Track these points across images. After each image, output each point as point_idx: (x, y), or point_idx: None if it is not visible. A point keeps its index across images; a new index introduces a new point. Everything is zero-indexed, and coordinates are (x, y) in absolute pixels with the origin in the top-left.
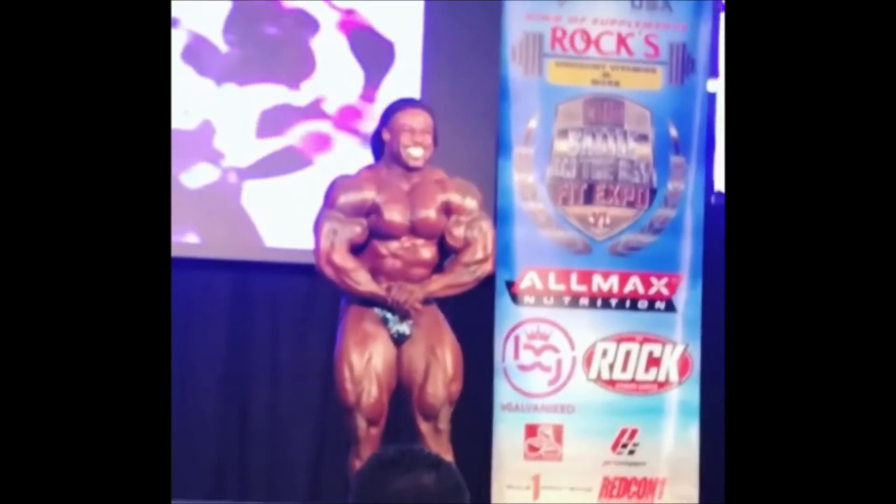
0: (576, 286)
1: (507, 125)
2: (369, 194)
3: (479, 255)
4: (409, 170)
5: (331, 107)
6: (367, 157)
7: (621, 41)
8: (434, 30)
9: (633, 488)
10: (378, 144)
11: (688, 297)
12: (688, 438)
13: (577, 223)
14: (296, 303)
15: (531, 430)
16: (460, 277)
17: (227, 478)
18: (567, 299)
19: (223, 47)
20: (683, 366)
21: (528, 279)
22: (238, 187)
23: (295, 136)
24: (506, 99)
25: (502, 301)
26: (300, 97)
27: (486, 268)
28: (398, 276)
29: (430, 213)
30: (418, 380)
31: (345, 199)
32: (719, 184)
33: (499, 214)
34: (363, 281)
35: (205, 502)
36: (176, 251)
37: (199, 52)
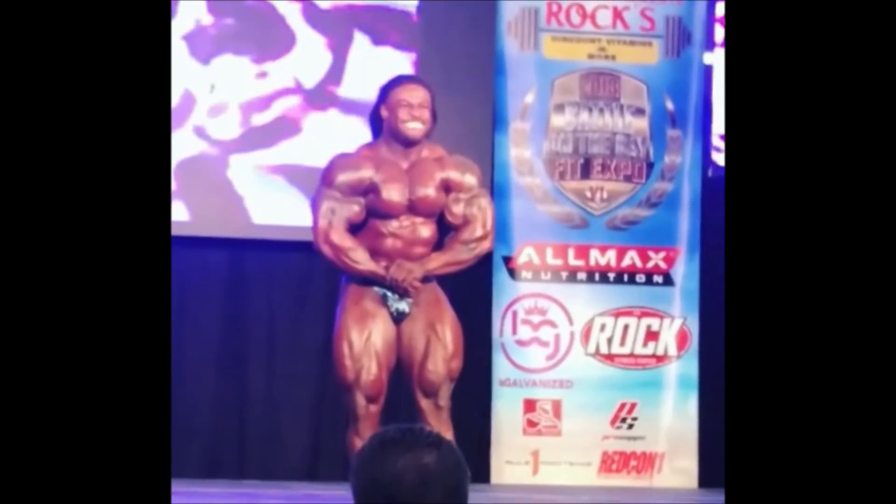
0: (573, 261)
1: (504, 100)
2: (367, 173)
3: (479, 233)
4: (408, 146)
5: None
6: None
7: (617, 15)
8: (429, 4)
9: (633, 462)
10: (376, 122)
11: (686, 270)
12: (687, 412)
13: (575, 198)
14: (291, 280)
15: (530, 406)
16: (459, 255)
17: (225, 457)
18: (565, 274)
19: (206, 19)
20: (682, 339)
21: (525, 254)
22: (224, 161)
23: (279, 109)
24: (502, 74)
25: (500, 276)
26: (283, 71)
27: (486, 245)
28: (398, 254)
29: (430, 191)
30: (418, 357)
31: (343, 177)
32: (716, 156)
33: (496, 189)
34: (361, 260)
35: (202, 481)
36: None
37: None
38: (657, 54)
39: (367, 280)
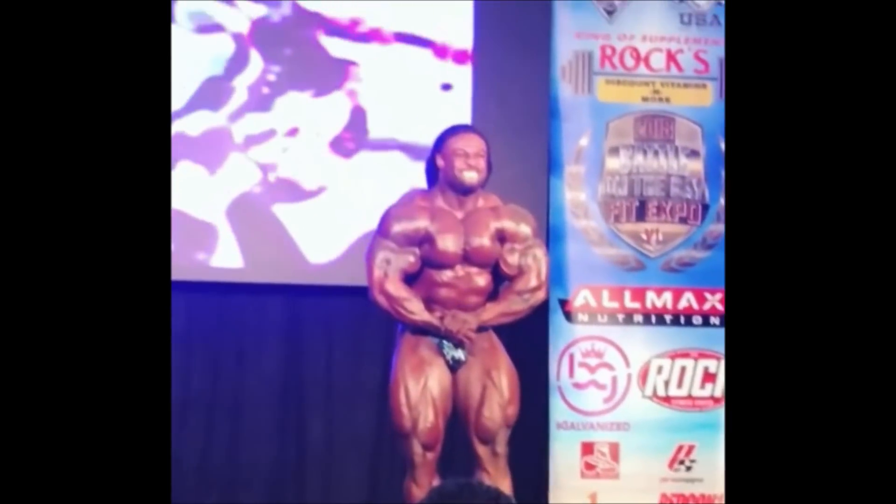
0: (629, 303)
1: (558, 144)
2: (422, 223)
3: (533, 283)
4: (464, 194)
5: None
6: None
7: (671, 57)
8: (483, 50)
9: None
10: (432, 171)
11: None
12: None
13: (630, 240)
14: (348, 326)
15: (587, 448)
16: (513, 306)
17: (283, 502)
18: (621, 316)
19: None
20: None
21: (581, 297)
22: (272, 204)
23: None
24: (556, 117)
25: (556, 319)
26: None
27: (540, 296)
28: (453, 304)
29: (484, 241)
30: (474, 404)
31: (398, 228)
32: None
33: (551, 233)
34: (417, 311)
35: None
36: (223, 277)
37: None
38: (711, 96)
39: (423, 329)
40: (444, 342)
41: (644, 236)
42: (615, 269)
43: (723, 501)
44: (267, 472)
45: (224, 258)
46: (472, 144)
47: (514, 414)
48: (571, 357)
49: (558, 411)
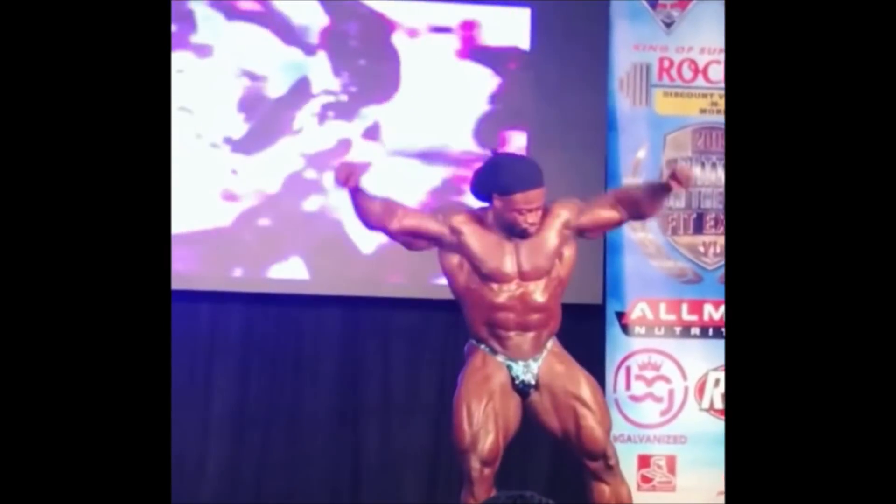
0: (686, 316)
1: (616, 156)
2: (462, 221)
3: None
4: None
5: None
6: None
7: None
8: (541, 62)
9: None
10: (483, 191)
11: None
12: None
13: (687, 252)
14: (406, 337)
15: (644, 461)
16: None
17: None
18: (678, 329)
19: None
20: None
21: (638, 309)
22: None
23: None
24: (614, 130)
25: (613, 332)
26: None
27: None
28: (513, 324)
29: (543, 249)
30: (571, 428)
31: (446, 209)
32: None
33: (608, 245)
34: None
35: None
36: (286, 288)
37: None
38: None
39: (493, 348)
40: (513, 364)
41: (702, 249)
42: (672, 282)
43: None
44: (323, 484)
45: (287, 269)
46: (533, 199)
47: (610, 422)
48: (628, 370)
49: (615, 424)
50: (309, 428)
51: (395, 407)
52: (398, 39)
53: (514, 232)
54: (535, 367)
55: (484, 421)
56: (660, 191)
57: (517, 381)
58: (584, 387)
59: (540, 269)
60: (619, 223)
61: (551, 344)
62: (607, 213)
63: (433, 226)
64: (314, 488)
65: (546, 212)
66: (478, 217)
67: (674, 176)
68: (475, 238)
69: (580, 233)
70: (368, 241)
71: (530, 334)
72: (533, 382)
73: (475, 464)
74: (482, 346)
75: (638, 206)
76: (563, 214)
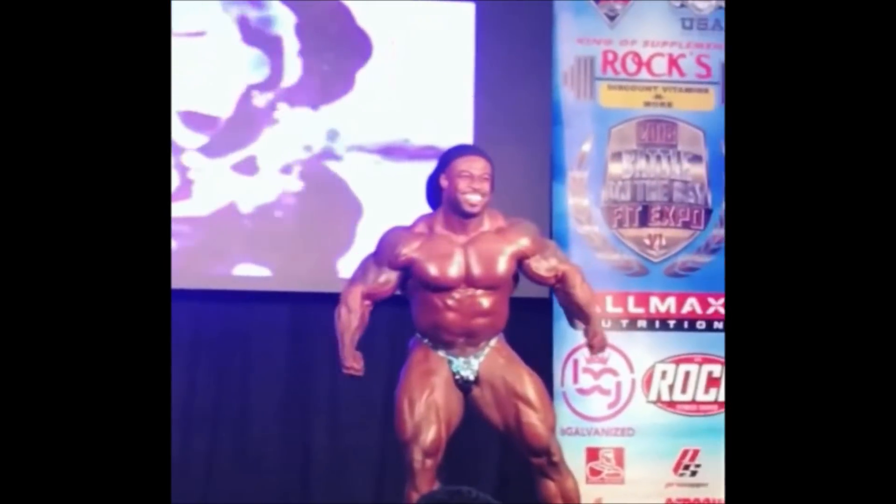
0: (633, 308)
1: (561, 150)
2: (406, 249)
3: (579, 279)
4: (466, 217)
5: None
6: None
7: (673, 62)
8: (485, 56)
9: None
10: (434, 190)
11: None
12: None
13: (633, 245)
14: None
15: (592, 454)
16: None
17: None
18: (625, 322)
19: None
20: None
21: None
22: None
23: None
24: (559, 123)
25: (560, 325)
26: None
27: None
28: (458, 326)
29: (499, 266)
30: (513, 424)
31: (384, 251)
32: None
33: (554, 239)
34: (345, 322)
35: None
36: (240, 284)
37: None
38: (713, 101)
39: (436, 342)
40: (454, 359)
41: (647, 241)
42: (619, 275)
43: None
44: (272, 482)
45: (236, 267)
46: (477, 166)
47: (554, 418)
48: (576, 363)
49: (563, 417)
50: (258, 427)
51: (343, 405)
52: (351, 36)
53: (463, 212)
54: (475, 363)
55: (426, 412)
56: (580, 317)
57: (457, 377)
58: (527, 384)
59: (488, 278)
60: (548, 286)
61: (495, 341)
62: (549, 274)
63: (388, 277)
64: (263, 487)
65: (508, 228)
66: (428, 226)
67: (590, 343)
68: (425, 251)
69: (520, 268)
70: (315, 238)
71: (474, 336)
72: (472, 378)
73: (417, 455)
74: (425, 341)
75: (567, 296)
76: (522, 243)
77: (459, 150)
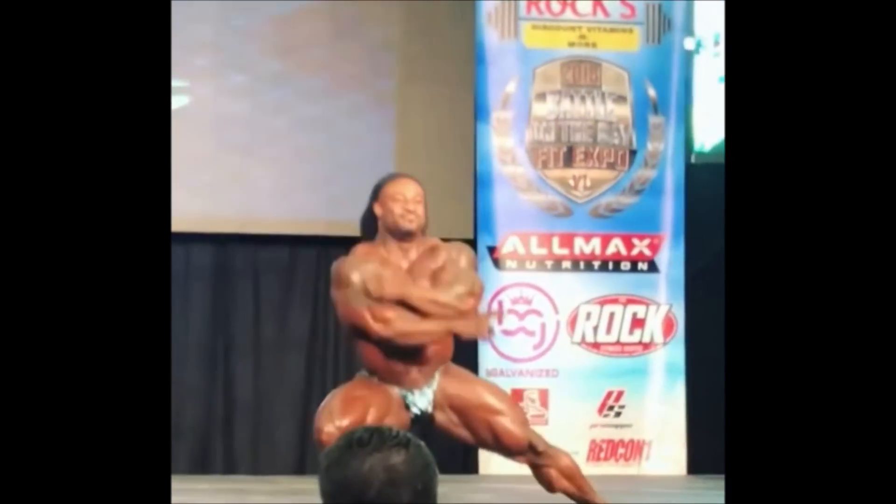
0: (558, 249)
1: (485, 90)
2: (373, 267)
3: (464, 290)
4: (404, 239)
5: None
6: None
7: (597, 2)
8: None
9: (621, 450)
10: (370, 221)
11: (670, 257)
12: (674, 399)
13: (558, 186)
14: (276, 275)
15: (517, 395)
16: (441, 296)
17: (212, 453)
18: (549, 263)
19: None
20: (668, 326)
21: (509, 244)
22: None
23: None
24: (483, 64)
25: (484, 266)
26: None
27: (470, 303)
28: (411, 350)
29: (425, 284)
30: (489, 438)
31: (356, 277)
32: (699, 142)
33: (479, 179)
34: (401, 329)
35: (190, 477)
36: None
37: None
38: (638, 41)
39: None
40: (408, 394)
41: (572, 182)
42: (543, 216)
43: (651, 446)
44: (195, 422)
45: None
46: (409, 189)
47: (522, 413)
48: (500, 304)
49: (488, 358)
50: (180, 364)
51: (265, 344)
52: None
53: (401, 232)
54: (429, 392)
55: (350, 402)
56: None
57: (414, 409)
58: (485, 394)
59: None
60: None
61: (443, 367)
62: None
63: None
64: (186, 423)
65: (440, 247)
66: (373, 248)
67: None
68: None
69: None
70: (237, 180)
71: (426, 364)
72: (430, 409)
73: (329, 428)
74: (374, 378)
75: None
76: (462, 260)
77: (389, 177)
